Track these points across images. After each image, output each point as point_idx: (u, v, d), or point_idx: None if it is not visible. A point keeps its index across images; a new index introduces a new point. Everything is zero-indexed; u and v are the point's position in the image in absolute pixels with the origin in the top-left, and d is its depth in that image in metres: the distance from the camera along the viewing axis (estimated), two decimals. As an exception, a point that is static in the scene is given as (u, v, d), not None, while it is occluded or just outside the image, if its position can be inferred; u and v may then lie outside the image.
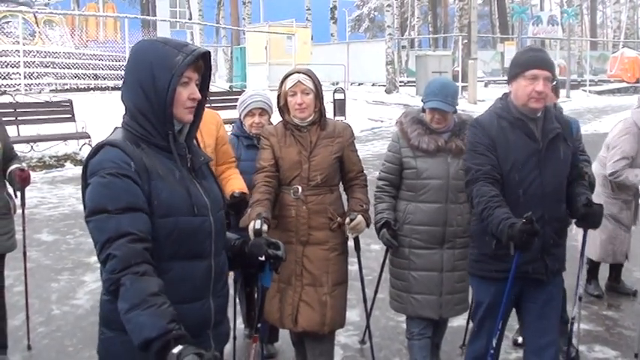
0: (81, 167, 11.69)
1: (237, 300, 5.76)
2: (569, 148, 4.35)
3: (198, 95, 2.82)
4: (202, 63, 2.85)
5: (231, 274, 4.88)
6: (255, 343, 3.62)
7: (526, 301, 4.41)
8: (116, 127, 2.84)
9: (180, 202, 2.72)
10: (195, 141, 3.00)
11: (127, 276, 2.46)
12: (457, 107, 5.06)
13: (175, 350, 2.32)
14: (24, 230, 5.95)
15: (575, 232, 5.26)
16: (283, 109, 4.90)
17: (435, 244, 5.05)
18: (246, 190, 5.15)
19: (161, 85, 2.68)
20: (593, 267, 7.30)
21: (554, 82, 4.52)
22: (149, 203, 2.64)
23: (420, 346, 5.20)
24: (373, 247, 5.61)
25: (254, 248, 3.06)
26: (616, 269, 7.44)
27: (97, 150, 2.70)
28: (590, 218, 4.31)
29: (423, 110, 5.10)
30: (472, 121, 4.48)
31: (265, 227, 4.43)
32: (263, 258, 3.03)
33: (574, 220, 4.53)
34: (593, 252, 6.97)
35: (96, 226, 2.58)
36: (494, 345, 4.33)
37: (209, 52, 2.85)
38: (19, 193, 5.69)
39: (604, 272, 7.48)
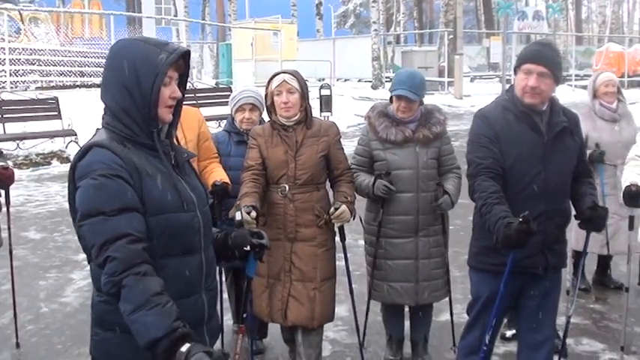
0: (68, 164, 11.63)
1: (227, 295, 5.76)
2: (576, 143, 4.31)
3: (178, 94, 2.82)
4: (182, 62, 2.84)
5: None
6: (242, 334, 3.62)
7: (523, 297, 4.39)
8: (98, 129, 2.83)
9: (170, 198, 2.72)
10: (175, 138, 3.00)
11: (129, 277, 2.44)
12: (423, 98, 5.18)
13: (184, 349, 2.33)
14: (9, 229, 5.93)
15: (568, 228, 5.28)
16: (270, 109, 4.98)
17: (410, 232, 5.17)
18: (227, 180, 5.24)
19: (145, 85, 2.67)
20: (578, 260, 7.32)
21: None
22: (142, 202, 2.63)
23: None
24: (360, 242, 5.63)
25: (238, 239, 3.06)
26: (603, 263, 7.46)
27: (84, 152, 2.67)
28: (595, 221, 4.24)
29: (391, 100, 5.18)
30: (477, 112, 4.43)
31: (254, 214, 4.53)
32: (248, 248, 3.03)
33: (577, 222, 4.44)
34: (575, 244, 6.98)
35: (91, 228, 2.55)
36: (487, 341, 4.33)
37: (189, 51, 2.84)
38: (3, 192, 5.67)
39: (591, 266, 7.52)
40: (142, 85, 2.67)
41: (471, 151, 4.28)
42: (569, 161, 4.26)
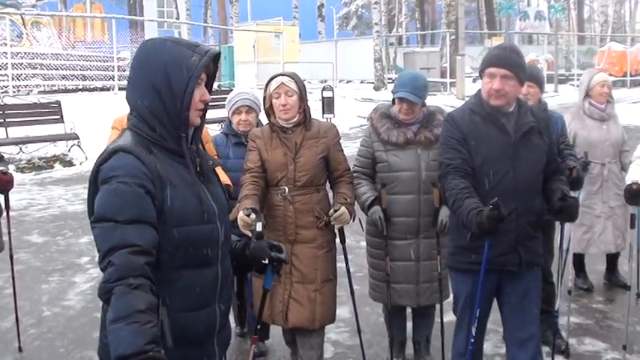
0: (71, 168, 11.70)
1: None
2: (545, 142, 4.38)
3: (208, 97, 2.75)
4: (212, 64, 2.77)
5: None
6: (255, 344, 3.64)
7: (503, 295, 4.46)
8: (124, 130, 2.75)
9: (192, 210, 2.66)
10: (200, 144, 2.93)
11: (120, 287, 2.38)
12: (425, 100, 5.20)
13: None
14: (9, 233, 5.93)
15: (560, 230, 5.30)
16: (269, 111, 4.99)
17: (411, 234, 5.18)
18: (229, 182, 5.20)
19: (178, 88, 2.61)
20: (579, 260, 7.33)
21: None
22: (162, 212, 2.58)
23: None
24: (362, 243, 5.63)
25: (257, 251, 3.01)
26: (611, 260, 7.46)
27: (109, 155, 2.59)
28: (566, 211, 4.30)
29: (393, 102, 5.20)
30: (446, 116, 4.56)
31: (254, 216, 4.57)
32: (267, 261, 3.00)
33: (549, 213, 4.51)
34: (576, 244, 6.98)
35: (101, 233, 2.50)
36: (473, 334, 4.39)
37: (220, 53, 2.78)
38: (2, 197, 5.67)
39: (594, 265, 7.52)
40: (173, 87, 2.61)
41: (441, 153, 4.43)
42: (538, 160, 4.34)
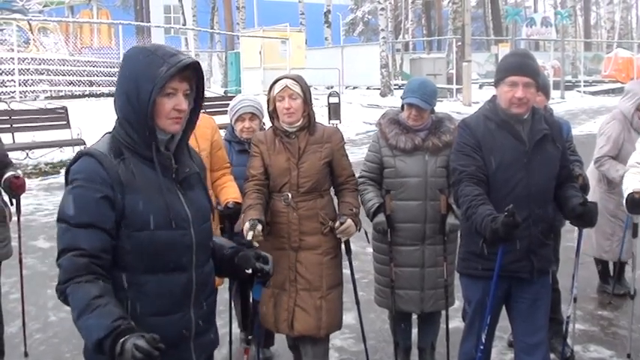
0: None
1: (233, 304, 5.76)
2: (558, 150, 4.38)
3: (183, 106, 2.77)
4: (191, 73, 2.80)
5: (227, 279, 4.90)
6: (247, 355, 3.66)
7: (514, 301, 4.46)
8: (105, 133, 2.84)
9: (157, 215, 2.70)
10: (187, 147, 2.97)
11: (71, 286, 2.52)
12: (435, 107, 5.21)
13: (122, 339, 2.34)
14: (19, 238, 5.95)
15: (576, 235, 5.27)
16: (272, 114, 4.92)
17: (417, 240, 5.19)
18: (240, 199, 5.09)
19: (143, 96, 2.67)
20: (603, 268, 7.33)
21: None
22: (123, 216, 2.65)
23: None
24: (368, 249, 5.63)
25: (241, 261, 3.02)
26: (620, 267, 7.40)
27: (76, 158, 2.73)
28: (587, 216, 4.29)
29: (402, 108, 5.19)
30: (460, 123, 4.53)
31: (260, 228, 4.54)
32: (250, 271, 3.00)
33: (568, 219, 4.54)
34: (589, 248, 6.97)
35: (58, 233, 2.66)
36: (483, 341, 4.38)
37: (197, 62, 2.81)
38: (14, 201, 5.69)
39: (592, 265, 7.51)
40: (140, 96, 2.67)
41: (455, 160, 4.40)
42: (551, 168, 4.35)
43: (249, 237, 4.47)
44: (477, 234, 4.11)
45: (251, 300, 3.32)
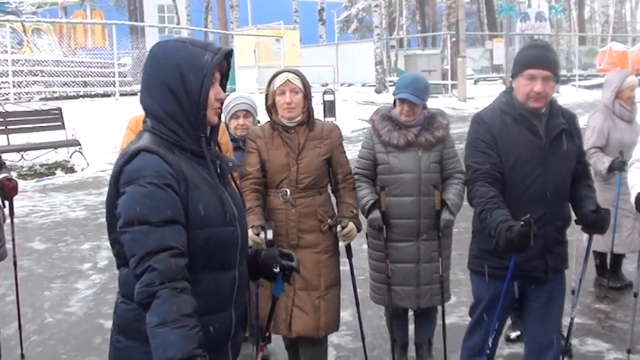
0: (72, 175, 11.66)
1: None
2: (575, 145, 4.27)
3: (223, 95, 2.73)
4: (225, 62, 2.75)
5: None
6: (262, 352, 3.61)
7: (528, 300, 4.37)
8: (142, 131, 2.72)
9: (215, 212, 2.64)
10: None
11: (165, 290, 2.37)
12: (427, 102, 5.19)
13: None
14: (13, 240, 5.93)
15: (584, 239, 5.22)
16: (271, 108, 4.85)
17: (412, 236, 5.18)
18: None
19: (193, 87, 2.59)
20: (601, 262, 7.32)
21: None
22: (187, 214, 2.56)
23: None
24: (364, 247, 5.62)
25: (268, 259, 2.97)
26: (616, 260, 7.42)
27: (132, 156, 2.55)
28: (599, 224, 4.20)
29: (394, 104, 5.18)
30: (474, 117, 4.40)
31: (263, 235, 4.51)
32: (277, 269, 2.95)
33: (579, 224, 4.37)
34: (595, 243, 6.93)
35: (134, 237, 2.46)
36: (489, 345, 4.32)
37: (232, 50, 2.76)
38: (7, 203, 5.68)
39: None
40: (188, 88, 2.60)
41: (469, 156, 4.25)
42: (568, 163, 4.23)
43: (270, 236, 4.44)
44: (490, 237, 3.98)
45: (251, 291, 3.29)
